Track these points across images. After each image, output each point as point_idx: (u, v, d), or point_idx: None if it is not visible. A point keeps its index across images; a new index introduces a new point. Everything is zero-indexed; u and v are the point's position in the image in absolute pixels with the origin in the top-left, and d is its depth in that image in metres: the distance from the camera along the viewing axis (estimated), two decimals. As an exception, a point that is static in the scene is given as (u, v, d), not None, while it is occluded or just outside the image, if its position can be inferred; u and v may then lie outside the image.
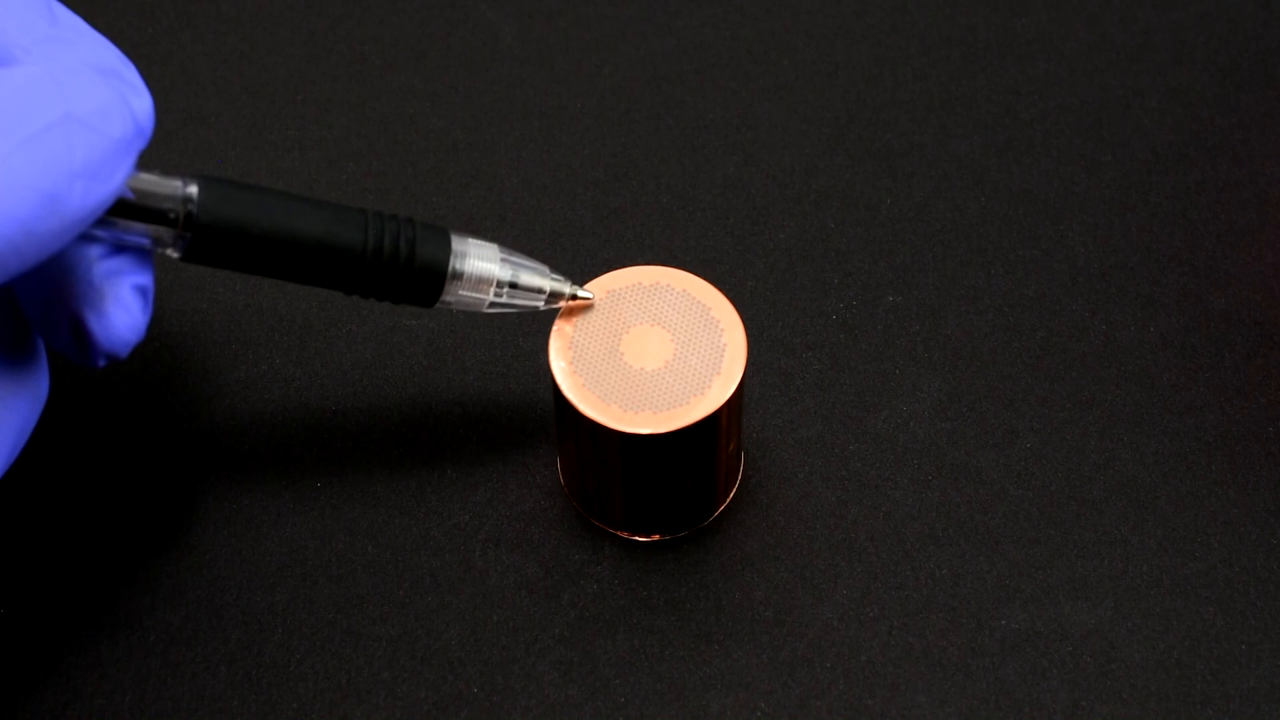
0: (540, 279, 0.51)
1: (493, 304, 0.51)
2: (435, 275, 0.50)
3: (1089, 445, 0.55)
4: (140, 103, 0.45)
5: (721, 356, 0.51)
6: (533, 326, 0.57)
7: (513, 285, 0.51)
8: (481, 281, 0.50)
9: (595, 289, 0.52)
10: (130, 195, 0.46)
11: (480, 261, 0.50)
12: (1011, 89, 0.62)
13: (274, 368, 0.57)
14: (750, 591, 0.53)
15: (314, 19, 0.64)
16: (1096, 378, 0.56)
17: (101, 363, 0.47)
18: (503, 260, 0.51)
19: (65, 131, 0.43)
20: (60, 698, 0.51)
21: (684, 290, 0.52)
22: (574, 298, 0.51)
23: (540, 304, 0.51)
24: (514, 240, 0.59)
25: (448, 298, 0.50)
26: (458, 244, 0.50)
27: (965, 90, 0.62)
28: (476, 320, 0.57)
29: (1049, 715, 0.51)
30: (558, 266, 0.59)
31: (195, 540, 0.54)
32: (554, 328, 0.51)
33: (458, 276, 0.50)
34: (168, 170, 0.47)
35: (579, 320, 0.51)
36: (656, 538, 0.54)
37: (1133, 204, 0.60)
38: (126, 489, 0.54)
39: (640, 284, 0.52)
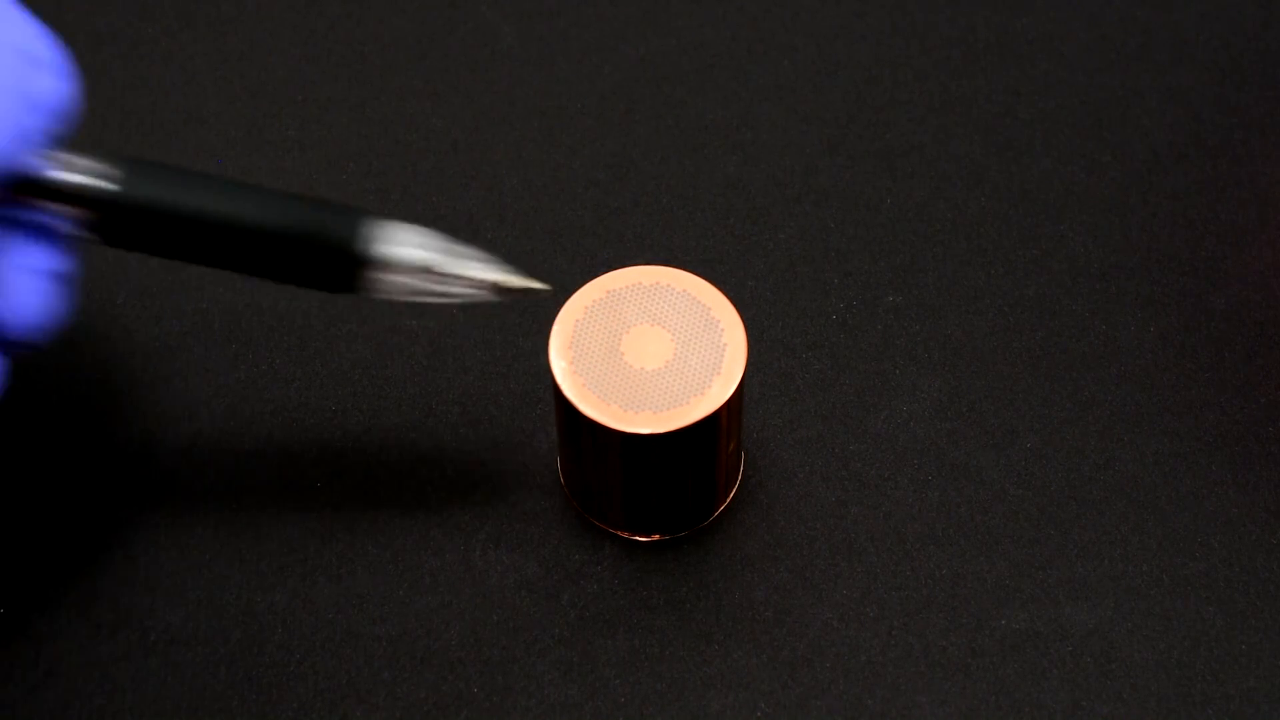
0: (478, 267, 0.49)
1: (428, 293, 0.49)
2: (346, 257, 0.48)
3: (1089, 445, 0.55)
4: (53, 82, 0.45)
5: (721, 356, 0.51)
6: (533, 326, 0.57)
7: (443, 272, 0.49)
8: (407, 266, 0.48)
9: (595, 289, 0.52)
10: (44, 174, 0.46)
11: (403, 247, 0.48)
12: (1011, 89, 0.62)
13: (274, 368, 0.57)
14: (750, 591, 0.53)
15: (314, 19, 0.64)
16: (1096, 378, 0.56)
17: (20, 349, 0.46)
18: (435, 248, 0.49)
19: None
20: (60, 698, 0.51)
21: (684, 290, 0.52)
22: (528, 291, 0.50)
23: (486, 294, 0.49)
24: (514, 240, 0.59)
25: (375, 284, 0.48)
26: (375, 228, 0.48)
27: (965, 90, 0.62)
28: (476, 320, 0.57)
29: (1049, 715, 0.51)
30: (558, 266, 0.59)
31: (195, 540, 0.54)
32: (554, 328, 0.51)
33: (379, 261, 0.48)
34: (84, 151, 0.46)
35: (579, 320, 0.51)
36: (656, 538, 0.54)
37: (1133, 204, 0.60)
38: (127, 488, 0.54)
39: (640, 284, 0.52)
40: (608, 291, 0.52)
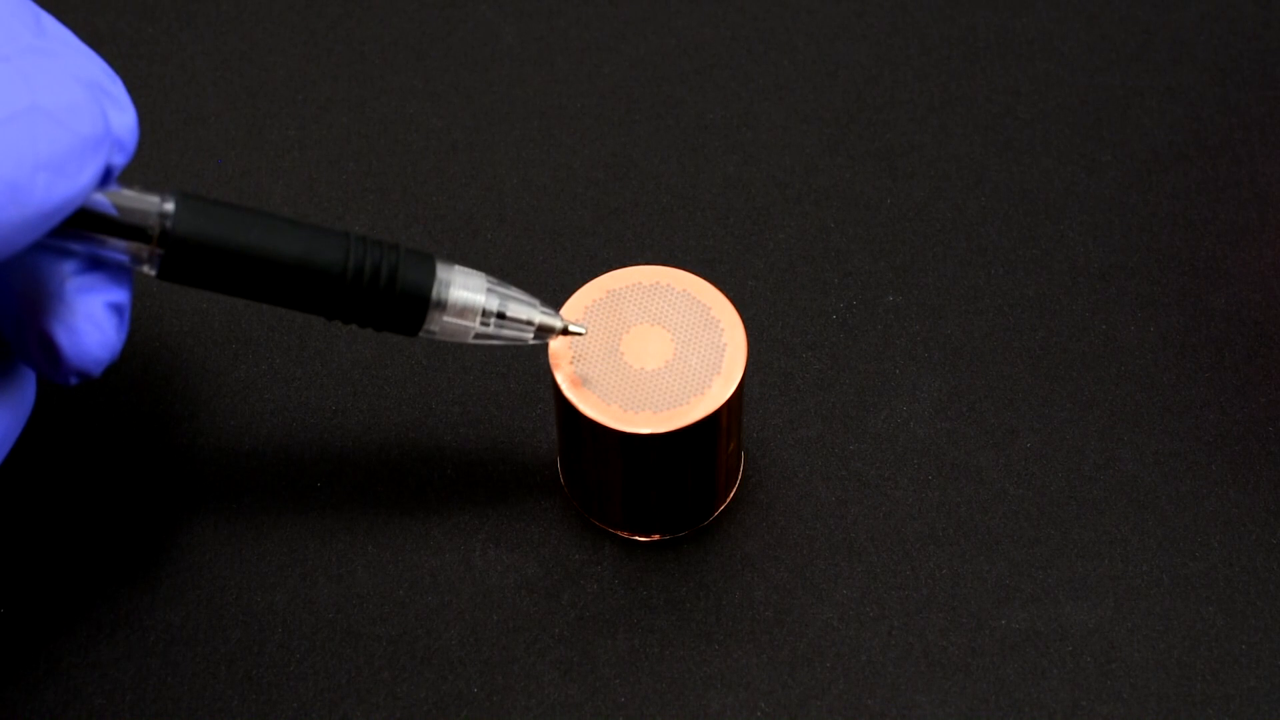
0: (528, 310, 0.50)
1: (479, 335, 0.49)
2: (418, 301, 0.48)
3: (1089, 445, 0.55)
4: (121, 117, 0.45)
5: (721, 356, 0.51)
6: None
7: (500, 316, 0.49)
8: (466, 310, 0.49)
9: (595, 289, 0.52)
10: (106, 208, 0.46)
11: (465, 291, 0.49)
12: (1011, 89, 0.62)
13: (274, 368, 0.57)
14: (750, 591, 0.53)
15: (314, 19, 0.64)
16: (1096, 378, 0.56)
17: (73, 380, 0.46)
18: (489, 290, 0.49)
19: (29, 122, 0.43)
20: (60, 698, 0.51)
21: (684, 290, 0.52)
22: (565, 331, 0.50)
23: (529, 337, 0.50)
24: (514, 240, 0.59)
25: (431, 326, 0.49)
26: (443, 271, 0.49)
27: (965, 90, 0.62)
28: (476, 320, 0.57)
29: (1049, 715, 0.51)
30: (558, 266, 0.59)
31: (195, 540, 0.54)
32: (554, 328, 0.51)
33: (441, 305, 0.49)
34: (148, 187, 0.46)
35: (579, 320, 0.51)
36: (656, 538, 0.54)
37: (1133, 204, 0.60)
38: (126, 489, 0.54)
39: (640, 284, 0.52)
40: (608, 291, 0.52)
